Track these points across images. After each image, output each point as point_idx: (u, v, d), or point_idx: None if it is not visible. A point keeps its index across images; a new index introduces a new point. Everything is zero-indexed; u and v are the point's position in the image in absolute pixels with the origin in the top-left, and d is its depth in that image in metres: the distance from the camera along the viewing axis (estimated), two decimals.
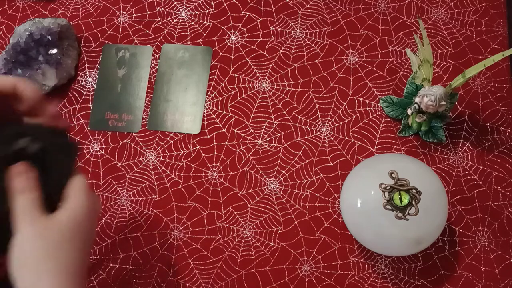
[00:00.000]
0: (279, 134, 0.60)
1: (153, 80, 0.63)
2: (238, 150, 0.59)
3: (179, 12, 0.65)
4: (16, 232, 0.35)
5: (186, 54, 0.63)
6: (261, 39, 0.63)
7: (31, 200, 0.36)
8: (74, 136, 0.61)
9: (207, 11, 0.65)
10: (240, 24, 0.64)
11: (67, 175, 0.39)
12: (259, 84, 0.62)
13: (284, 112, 0.60)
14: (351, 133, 0.59)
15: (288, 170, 0.58)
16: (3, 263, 0.37)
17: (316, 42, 0.63)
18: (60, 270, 0.36)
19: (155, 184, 0.59)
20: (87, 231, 0.39)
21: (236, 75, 0.62)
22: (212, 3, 0.65)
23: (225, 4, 0.65)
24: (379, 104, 0.60)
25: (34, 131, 0.38)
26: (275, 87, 0.61)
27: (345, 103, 0.60)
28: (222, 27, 0.64)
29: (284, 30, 0.63)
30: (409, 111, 0.54)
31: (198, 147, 0.60)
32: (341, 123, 0.60)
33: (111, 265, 0.56)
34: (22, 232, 0.35)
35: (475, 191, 0.56)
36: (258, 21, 0.64)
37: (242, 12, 0.65)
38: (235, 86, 0.62)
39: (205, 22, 0.64)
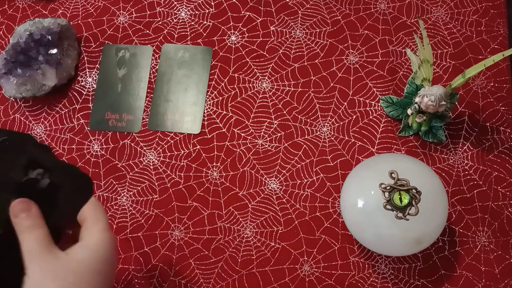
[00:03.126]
0: (279, 134, 0.60)
1: (153, 80, 0.63)
2: (238, 150, 0.59)
3: (179, 12, 0.65)
4: (27, 273, 0.33)
5: (186, 54, 0.63)
6: (261, 39, 0.63)
7: (38, 238, 0.34)
8: (74, 136, 0.61)
9: (207, 11, 0.65)
10: (240, 24, 0.64)
11: (76, 211, 0.38)
12: (259, 84, 0.62)
13: (284, 112, 0.60)
14: (351, 133, 0.59)
15: (288, 170, 0.58)
16: None
17: (316, 42, 0.63)
18: None
19: (156, 184, 0.59)
20: (106, 272, 0.36)
21: (236, 75, 0.62)
22: (212, 3, 0.65)
23: (225, 4, 0.65)
24: (379, 104, 0.60)
25: (49, 163, 0.37)
26: (275, 87, 0.61)
27: (345, 103, 0.60)
28: (222, 27, 0.64)
29: (284, 30, 0.63)
30: (409, 111, 0.55)
31: (198, 147, 0.60)
32: (341, 123, 0.60)
33: None
34: (33, 274, 0.33)
35: (475, 191, 0.56)
36: (258, 21, 0.64)
37: (242, 12, 0.65)
38: (235, 86, 0.62)
39: (205, 22, 0.64)
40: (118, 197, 0.59)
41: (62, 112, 0.62)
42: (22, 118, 0.62)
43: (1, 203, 0.35)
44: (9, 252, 0.35)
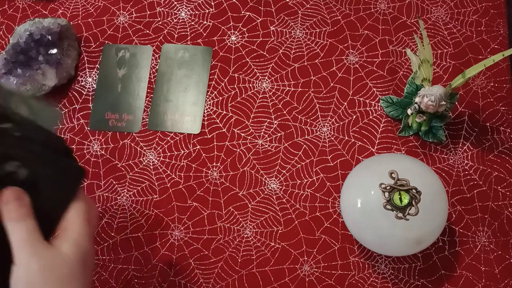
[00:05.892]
0: (279, 134, 0.60)
1: (153, 80, 0.63)
2: (238, 150, 0.59)
3: (179, 12, 0.65)
4: (18, 262, 0.33)
5: (186, 54, 0.63)
6: (261, 39, 0.63)
7: (28, 229, 0.34)
8: (74, 136, 0.61)
9: (207, 11, 0.65)
10: (240, 24, 0.64)
11: (64, 202, 0.36)
12: (259, 84, 0.62)
13: (284, 112, 0.60)
14: (351, 133, 0.59)
15: (288, 170, 0.58)
16: None
17: (316, 42, 0.63)
18: None
19: (156, 184, 0.59)
20: (91, 263, 0.37)
21: (236, 75, 0.62)
22: (212, 3, 0.65)
23: (225, 4, 0.65)
24: (379, 104, 0.60)
25: (25, 152, 0.35)
26: (275, 87, 0.61)
27: (345, 103, 0.60)
28: (222, 27, 0.64)
29: (284, 30, 0.63)
30: (409, 111, 0.55)
31: (198, 147, 0.60)
32: (341, 123, 0.60)
33: (112, 265, 0.57)
34: (23, 263, 0.33)
35: (475, 191, 0.57)
36: (258, 21, 0.64)
37: (242, 12, 0.65)
38: (235, 86, 0.62)
39: (205, 22, 0.64)
40: (118, 197, 0.59)
41: (62, 112, 0.62)
42: None
43: None
44: None
